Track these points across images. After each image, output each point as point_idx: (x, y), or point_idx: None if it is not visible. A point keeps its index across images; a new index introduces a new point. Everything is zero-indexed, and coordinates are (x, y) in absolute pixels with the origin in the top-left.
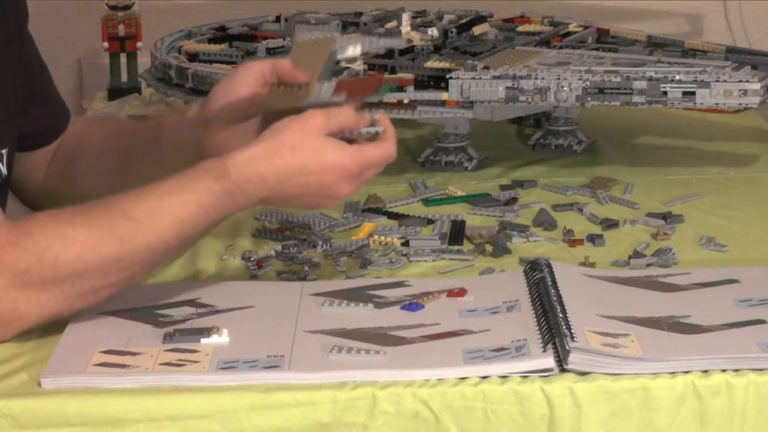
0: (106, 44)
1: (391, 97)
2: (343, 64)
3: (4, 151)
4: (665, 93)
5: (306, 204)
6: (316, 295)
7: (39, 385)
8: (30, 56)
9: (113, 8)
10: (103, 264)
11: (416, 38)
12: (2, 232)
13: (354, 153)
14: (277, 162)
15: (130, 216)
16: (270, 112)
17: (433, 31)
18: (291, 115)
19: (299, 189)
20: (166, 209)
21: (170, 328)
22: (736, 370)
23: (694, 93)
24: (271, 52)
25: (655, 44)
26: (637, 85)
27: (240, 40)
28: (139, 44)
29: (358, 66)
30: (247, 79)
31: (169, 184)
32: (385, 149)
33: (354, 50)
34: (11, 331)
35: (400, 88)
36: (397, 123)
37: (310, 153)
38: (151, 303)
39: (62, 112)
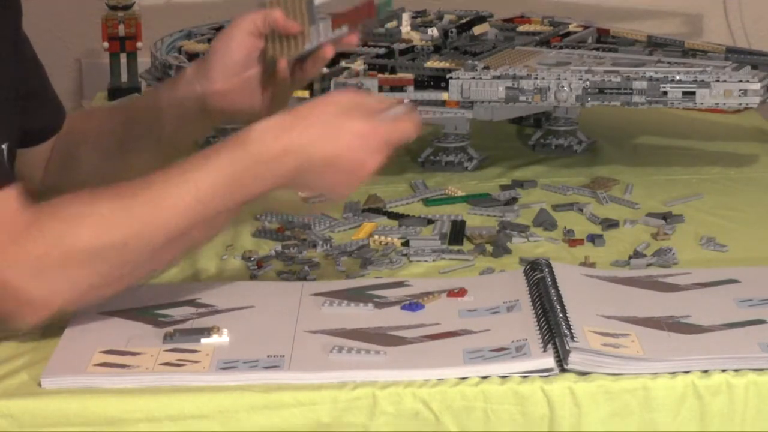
0: (106, 44)
1: (391, 98)
2: (322, 15)
3: (4, 146)
4: (665, 93)
5: (331, 180)
6: (316, 295)
7: (39, 385)
8: (26, 54)
9: (113, 8)
10: (122, 245)
11: (416, 38)
12: (23, 217)
13: (381, 124)
14: (301, 127)
15: (149, 194)
16: (274, 61)
17: (433, 31)
18: (295, 63)
19: (322, 160)
20: (187, 183)
21: (170, 328)
22: (736, 370)
23: (694, 93)
24: None
25: (655, 44)
26: (637, 85)
27: None
28: (139, 44)
29: (358, 65)
30: (241, 33)
31: (190, 160)
32: (410, 123)
33: None
34: (37, 314)
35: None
36: None
37: (336, 122)
38: (151, 303)
39: (59, 109)
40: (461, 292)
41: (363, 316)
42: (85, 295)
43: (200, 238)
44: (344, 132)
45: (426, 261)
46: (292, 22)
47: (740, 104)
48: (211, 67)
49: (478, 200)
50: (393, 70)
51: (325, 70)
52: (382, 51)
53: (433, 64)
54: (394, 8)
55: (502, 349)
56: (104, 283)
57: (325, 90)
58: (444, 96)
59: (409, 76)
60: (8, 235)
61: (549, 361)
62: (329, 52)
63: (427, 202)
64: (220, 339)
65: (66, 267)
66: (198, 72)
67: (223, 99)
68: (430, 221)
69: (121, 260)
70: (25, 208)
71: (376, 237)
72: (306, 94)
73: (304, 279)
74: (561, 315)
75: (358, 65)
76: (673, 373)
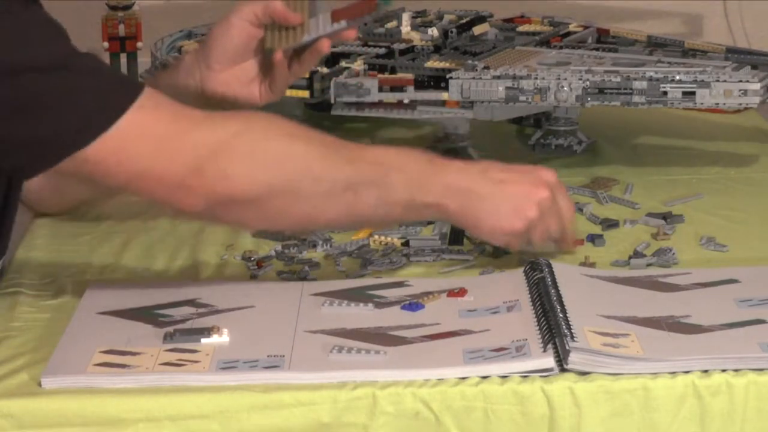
0: (106, 44)
1: (391, 98)
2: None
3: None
4: (665, 93)
5: (498, 207)
6: (316, 295)
7: (39, 385)
8: None
9: (113, 8)
10: (307, 160)
11: (416, 38)
12: (195, 113)
13: (548, 183)
14: (487, 170)
15: (333, 139)
16: (272, 50)
17: (433, 31)
18: (293, 54)
19: (499, 183)
20: (372, 149)
21: (170, 328)
22: (736, 370)
23: (694, 93)
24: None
25: (655, 44)
26: (637, 85)
27: None
28: (139, 44)
29: (358, 66)
30: (241, 21)
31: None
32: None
33: None
34: (216, 192)
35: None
36: (397, 123)
37: (511, 167)
38: (151, 303)
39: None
40: (461, 292)
41: (363, 316)
42: (262, 198)
43: (370, 211)
44: (518, 172)
45: (426, 261)
46: (292, 13)
47: (740, 104)
48: (210, 54)
49: None
50: (393, 70)
51: (325, 69)
52: (382, 51)
53: (433, 64)
54: (394, 7)
55: (502, 349)
56: (282, 196)
57: (325, 90)
58: (444, 96)
59: (409, 76)
60: (194, 116)
61: (549, 361)
62: (326, 46)
63: None
64: (220, 339)
65: (254, 157)
66: (197, 58)
67: (221, 85)
68: (430, 221)
69: (303, 177)
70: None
71: (376, 237)
72: (306, 94)
73: (304, 279)
74: (561, 315)
75: (358, 65)
76: (673, 373)
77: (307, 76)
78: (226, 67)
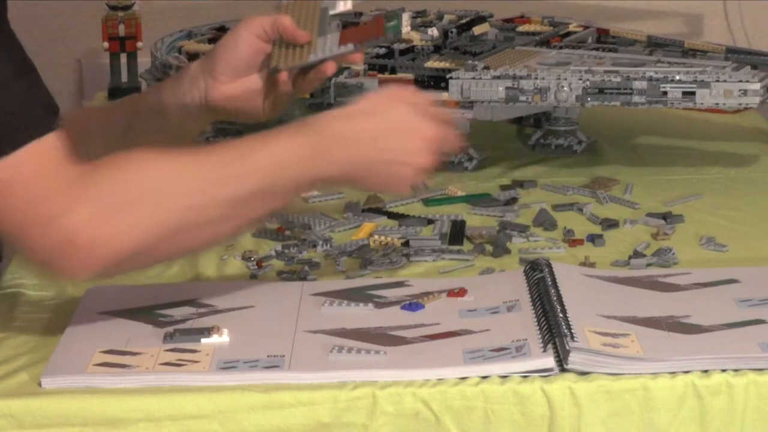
0: (106, 44)
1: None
2: (336, 22)
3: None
4: (665, 93)
5: (387, 176)
6: (316, 295)
7: (39, 385)
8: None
9: (113, 8)
10: (186, 193)
11: (416, 38)
12: (79, 163)
13: (436, 125)
14: (367, 120)
15: (215, 154)
16: (277, 70)
17: (433, 31)
18: (298, 72)
19: (386, 153)
20: (252, 151)
21: (170, 328)
22: (736, 370)
23: (694, 93)
24: None
25: (655, 44)
26: (637, 85)
27: None
28: (139, 44)
29: (358, 66)
30: (249, 35)
31: (255, 135)
32: (453, 132)
33: (345, 4)
34: (98, 260)
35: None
36: None
37: (398, 115)
38: (151, 303)
39: (51, 105)
40: (461, 292)
41: (363, 316)
42: (147, 247)
43: (260, 211)
44: (412, 133)
45: (426, 261)
46: (300, 31)
47: (740, 104)
48: (216, 66)
49: (478, 200)
50: (393, 70)
51: None
52: (382, 51)
53: (433, 64)
54: (402, 31)
55: (502, 349)
56: (167, 235)
57: (325, 90)
58: (444, 96)
59: (409, 76)
60: (65, 179)
61: (549, 361)
62: (331, 69)
63: (427, 202)
64: (220, 339)
65: (129, 211)
66: (203, 69)
67: (225, 98)
68: (430, 221)
69: (183, 214)
70: (77, 157)
71: (376, 237)
72: (306, 94)
73: (304, 279)
74: (561, 315)
75: (358, 65)
76: (673, 373)
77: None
78: (231, 79)
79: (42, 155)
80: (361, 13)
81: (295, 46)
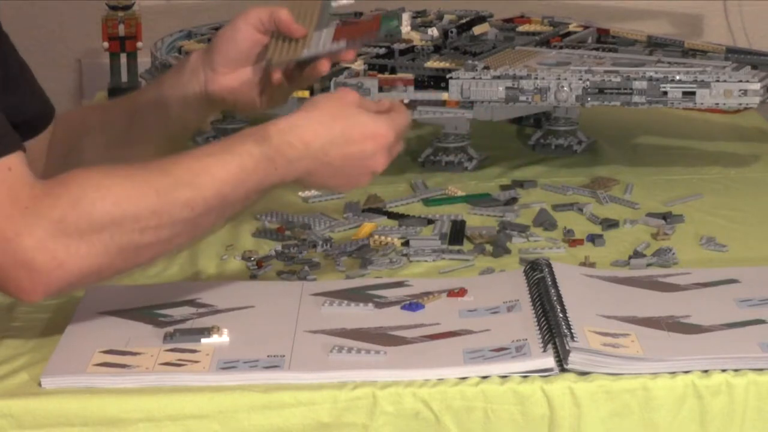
0: (106, 44)
1: (391, 98)
2: (334, 19)
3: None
4: (665, 93)
5: (344, 179)
6: (316, 295)
7: (39, 385)
8: (6, 50)
9: (113, 8)
10: (140, 216)
11: (416, 38)
12: (35, 184)
13: (388, 122)
14: (320, 129)
15: (168, 172)
16: (272, 64)
17: (433, 31)
18: (295, 66)
19: (341, 160)
20: (205, 168)
21: (170, 328)
22: (736, 370)
23: (694, 93)
24: None
25: (655, 44)
26: (637, 85)
27: None
28: (139, 44)
29: (358, 66)
30: (247, 26)
31: (209, 147)
32: (406, 116)
33: (346, 0)
34: (53, 281)
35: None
36: None
37: (350, 121)
38: (151, 303)
39: (45, 103)
40: (461, 292)
41: (363, 316)
42: (101, 267)
43: (216, 221)
44: (365, 136)
45: (426, 261)
46: (296, 25)
47: (740, 104)
48: (215, 57)
49: (478, 200)
50: (393, 70)
51: None
52: (382, 51)
53: (433, 64)
54: (399, 28)
55: (502, 349)
56: (121, 256)
57: (325, 90)
58: (444, 96)
59: (409, 76)
60: (21, 201)
61: (549, 361)
62: (325, 67)
63: (427, 202)
64: (220, 339)
65: (83, 233)
66: (203, 60)
67: (224, 89)
68: (430, 221)
69: (139, 236)
70: (35, 177)
71: (376, 237)
72: (306, 94)
73: (304, 279)
74: (561, 315)
75: (358, 65)
76: (673, 373)
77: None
78: (230, 70)
79: (0, 177)
80: (361, 13)
81: (290, 40)
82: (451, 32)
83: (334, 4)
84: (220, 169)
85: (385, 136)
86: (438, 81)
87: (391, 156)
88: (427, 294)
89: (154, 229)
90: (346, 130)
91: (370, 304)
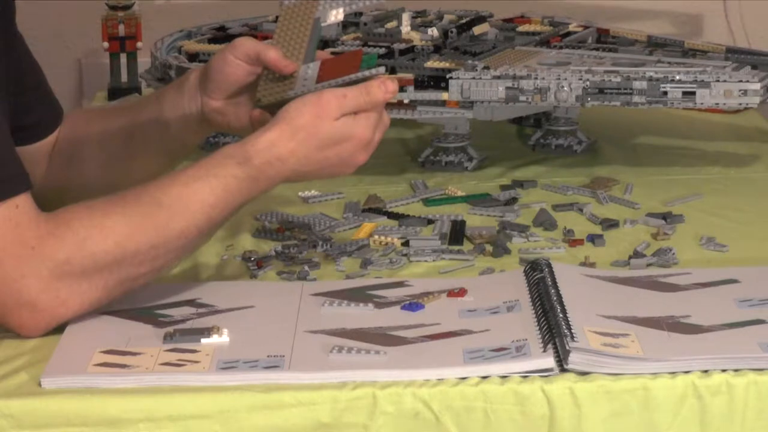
0: (106, 44)
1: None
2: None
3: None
4: (665, 93)
5: (326, 175)
6: (316, 295)
7: (39, 385)
8: (20, 51)
9: (113, 8)
10: (139, 251)
11: (416, 38)
12: (40, 224)
13: (366, 122)
14: (295, 146)
15: (161, 204)
16: (261, 105)
17: (433, 31)
18: (283, 105)
19: (318, 165)
20: (194, 195)
21: (170, 328)
22: (736, 370)
23: (694, 93)
24: None
25: (655, 44)
26: (637, 85)
27: None
28: (139, 44)
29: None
30: (237, 60)
31: (193, 170)
32: (385, 116)
33: (337, 15)
34: (55, 319)
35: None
36: (397, 123)
37: (327, 135)
38: (151, 303)
39: (54, 107)
40: (461, 292)
41: (363, 316)
42: (100, 301)
43: (204, 240)
44: (344, 140)
45: (426, 261)
46: (285, 62)
47: (740, 104)
48: (207, 85)
49: (478, 200)
50: (393, 70)
51: None
52: (382, 51)
53: (433, 64)
54: (376, 65)
55: (502, 349)
56: (119, 288)
57: None
58: (444, 96)
59: (409, 76)
60: (27, 241)
61: (549, 361)
62: None
63: (427, 202)
64: (220, 339)
65: (86, 272)
66: (200, 82)
67: (218, 114)
68: (430, 221)
69: (137, 268)
70: (40, 215)
71: (376, 237)
72: None
73: (304, 279)
74: (561, 315)
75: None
76: (673, 373)
77: None
78: (222, 98)
79: (6, 217)
80: (361, 13)
81: (278, 78)
82: (451, 32)
83: (324, 23)
84: (208, 195)
85: (361, 138)
86: (438, 81)
87: (373, 148)
88: (427, 294)
89: (151, 261)
90: (322, 143)
91: (370, 304)
